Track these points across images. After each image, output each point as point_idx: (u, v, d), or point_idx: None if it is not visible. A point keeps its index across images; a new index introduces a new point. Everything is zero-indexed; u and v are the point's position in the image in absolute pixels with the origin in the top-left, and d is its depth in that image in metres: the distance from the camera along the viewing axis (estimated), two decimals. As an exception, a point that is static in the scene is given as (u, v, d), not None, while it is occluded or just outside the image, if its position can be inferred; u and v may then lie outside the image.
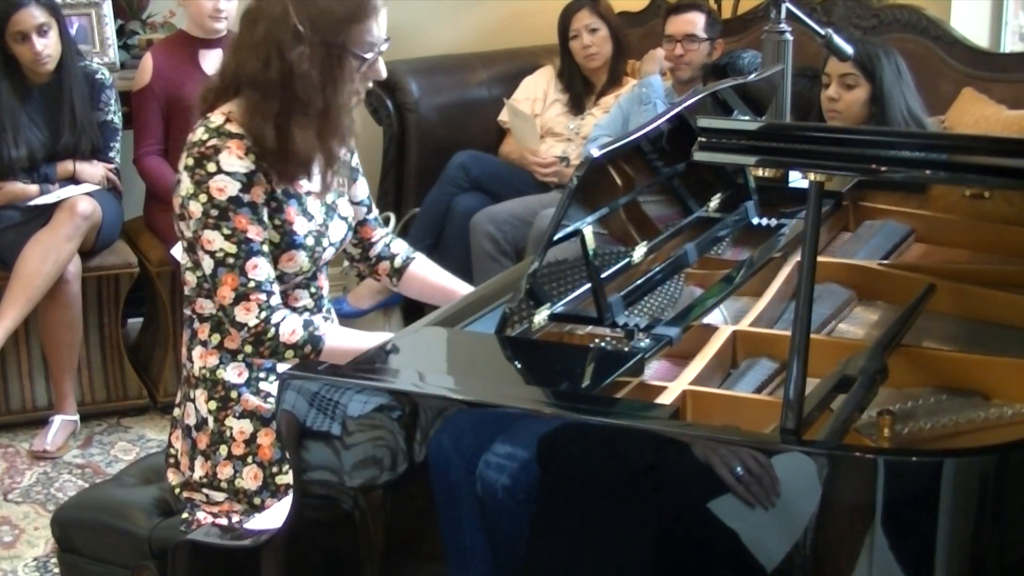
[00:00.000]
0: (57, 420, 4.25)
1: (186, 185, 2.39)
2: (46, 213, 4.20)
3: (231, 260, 2.36)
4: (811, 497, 1.57)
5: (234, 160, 2.36)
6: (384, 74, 2.47)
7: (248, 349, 2.41)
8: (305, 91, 2.36)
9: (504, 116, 5.18)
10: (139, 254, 4.51)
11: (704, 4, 4.80)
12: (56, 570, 3.13)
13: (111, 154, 4.42)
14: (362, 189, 2.70)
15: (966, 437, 1.91)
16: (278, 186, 2.43)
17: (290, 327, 2.38)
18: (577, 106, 5.06)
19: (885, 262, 2.54)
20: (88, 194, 4.26)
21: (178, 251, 4.18)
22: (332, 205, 2.56)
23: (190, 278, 2.51)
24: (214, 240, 2.36)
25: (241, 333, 2.39)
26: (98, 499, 2.68)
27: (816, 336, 2.12)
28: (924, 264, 2.56)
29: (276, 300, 2.40)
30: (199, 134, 2.39)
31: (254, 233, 2.37)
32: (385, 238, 2.75)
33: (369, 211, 2.72)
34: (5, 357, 4.33)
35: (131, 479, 2.75)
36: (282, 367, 2.48)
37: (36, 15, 4.10)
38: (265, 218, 2.40)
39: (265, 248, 2.40)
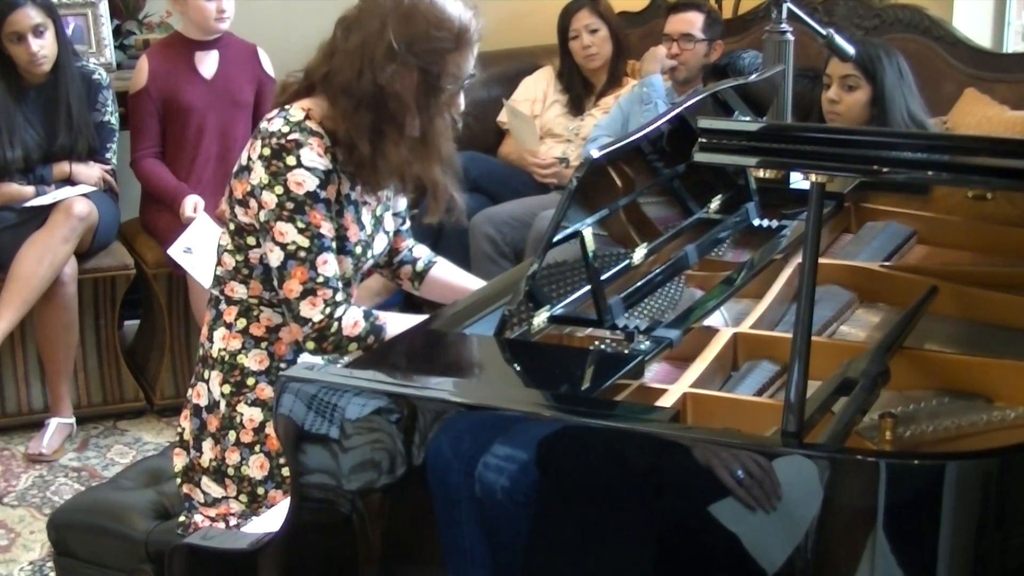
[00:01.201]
0: (53, 423, 4.23)
1: (259, 174, 2.38)
2: (42, 215, 4.18)
3: (303, 254, 2.37)
4: (813, 500, 1.57)
5: (315, 156, 2.37)
6: (462, 108, 2.48)
7: (311, 346, 2.41)
8: (399, 110, 2.38)
9: (503, 117, 5.17)
10: (136, 256, 4.50)
11: (704, 4, 4.79)
12: (52, 574, 3.13)
13: (108, 155, 4.41)
14: (402, 201, 2.71)
15: (969, 440, 1.90)
16: (350, 189, 2.45)
17: (352, 319, 2.40)
18: (577, 107, 5.05)
19: (887, 264, 2.53)
20: (84, 195, 4.25)
21: (175, 251, 4.21)
22: (380, 218, 2.58)
23: (228, 260, 2.51)
24: (287, 232, 2.37)
25: (304, 328, 2.39)
26: (94, 502, 2.67)
27: (817, 338, 2.11)
28: (926, 266, 2.56)
29: (341, 296, 2.42)
30: (278, 125, 2.39)
31: (327, 229, 2.39)
32: (409, 244, 2.77)
33: (404, 222, 2.74)
34: (1, 360, 4.32)
35: (128, 482, 2.74)
36: (307, 359, 2.50)
37: (32, 15, 4.09)
38: (334, 216, 2.42)
39: (335, 245, 2.41)
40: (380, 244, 2.59)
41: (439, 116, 2.42)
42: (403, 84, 2.37)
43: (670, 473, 1.65)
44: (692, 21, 4.67)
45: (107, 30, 4.93)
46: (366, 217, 2.52)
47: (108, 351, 4.49)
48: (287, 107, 2.42)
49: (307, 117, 2.39)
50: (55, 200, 4.20)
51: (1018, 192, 2.44)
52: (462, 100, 2.48)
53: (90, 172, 4.34)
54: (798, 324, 1.64)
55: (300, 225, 2.36)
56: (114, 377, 4.50)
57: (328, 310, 2.38)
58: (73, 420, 4.31)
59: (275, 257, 2.39)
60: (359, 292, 4.68)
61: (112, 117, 4.41)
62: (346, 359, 2.54)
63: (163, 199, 4.42)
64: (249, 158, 2.42)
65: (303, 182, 2.36)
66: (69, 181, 4.31)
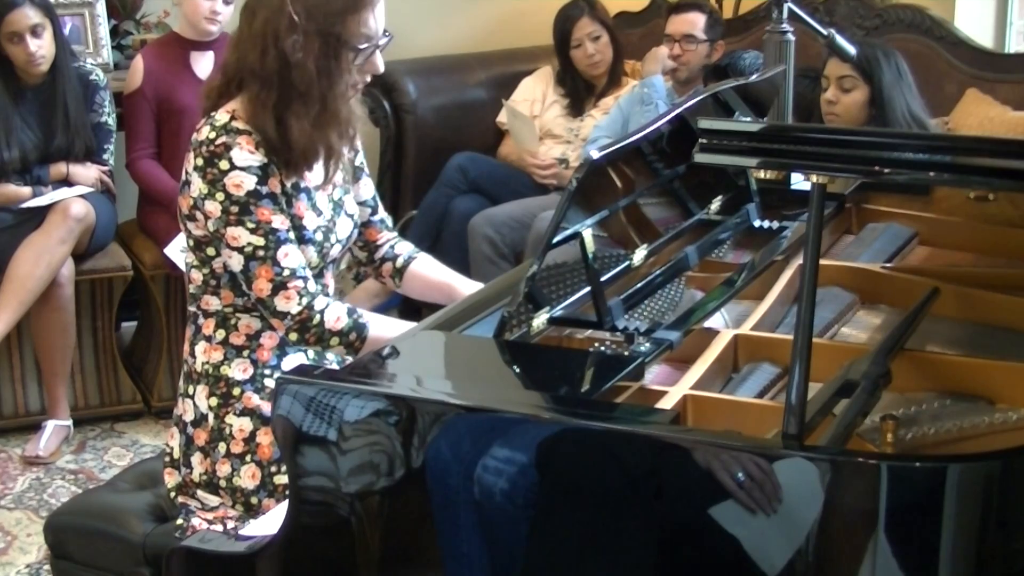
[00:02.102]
0: (50, 425, 4.23)
1: (198, 186, 2.38)
2: (39, 216, 4.17)
3: (261, 252, 2.36)
4: (814, 503, 1.56)
5: (246, 155, 2.35)
6: (381, 68, 2.46)
7: (293, 337, 2.40)
8: (302, 81, 2.35)
9: (503, 117, 5.17)
10: (133, 257, 4.49)
11: (706, 4, 4.78)
12: (49, 576, 3.12)
13: (105, 156, 4.40)
14: (366, 189, 2.69)
15: (970, 442, 1.90)
16: (287, 179, 2.43)
17: (335, 314, 2.39)
18: (576, 107, 5.05)
19: (888, 265, 2.53)
20: (81, 196, 4.24)
21: (172, 250, 4.20)
22: (339, 202, 2.56)
23: (196, 276, 2.50)
24: (240, 236, 2.35)
25: (285, 322, 2.39)
26: (92, 505, 2.67)
27: (818, 340, 2.11)
28: (928, 267, 2.55)
29: (313, 286, 2.40)
30: (205, 133, 2.38)
31: (279, 223, 2.37)
32: (391, 240, 2.75)
33: (374, 212, 2.71)
34: (-3, 361, 4.32)
35: (125, 485, 2.73)
36: (291, 363, 2.49)
37: (30, 15, 4.08)
38: (284, 207, 2.40)
39: (292, 236, 2.40)
40: (344, 228, 2.56)
41: (340, 77, 2.37)
42: (306, 53, 2.33)
43: (670, 476, 1.64)
44: (694, 22, 4.66)
45: (104, 30, 4.93)
46: (322, 202, 2.50)
47: (105, 353, 4.48)
48: (212, 113, 2.41)
49: (233, 118, 2.38)
50: (52, 201, 4.19)
51: (1020, 193, 2.44)
52: (380, 61, 2.44)
53: (87, 173, 4.33)
54: (799, 326, 1.64)
55: (250, 225, 2.35)
56: (111, 379, 4.49)
57: (304, 300, 2.37)
58: (70, 422, 4.30)
59: (236, 263, 2.37)
60: (357, 294, 4.71)
61: (109, 118, 4.40)
62: (332, 358, 2.55)
63: (160, 200, 4.41)
64: (186, 172, 2.42)
65: (241, 183, 2.34)
66: (66, 182, 4.30)
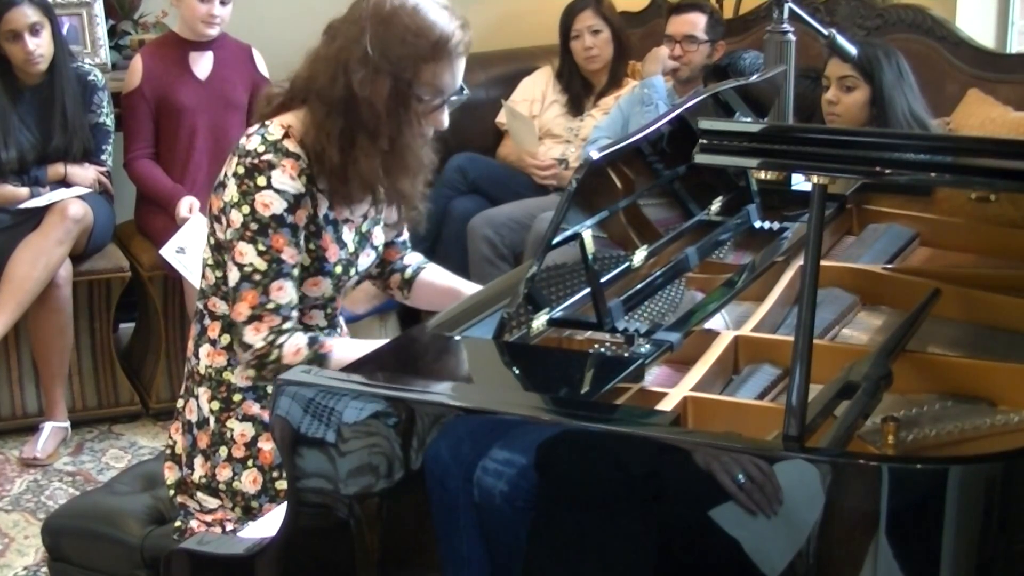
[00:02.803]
0: (47, 427, 4.22)
1: (232, 192, 2.33)
2: (36, 217, 4.16)
3: (257, 277, 2.31)
4: (814, 505, 1.56)
5: (286, 179, 2.31)
6: (445, 125, 2.41)
7: (251, 373, 2.36)
8: (370, 117, 2.32)
9: (502, 118, 5.16)
10: (131, 258, 4.48)
11: (706, 5, 4.78)
12: (47, 579, 3.11)
13: (103, 156, 4.39)
14: (395, 211, 2.64)
15: (972, 444, 1.89)
16: (328, 209, 2.39)
17: (294, 346, 2.33)
18: (576, 107, 5.04)
19: (889, 266, 2.52)
20: (79, 197, 4.23)
21: (168, 251, 4.20)
22: (366, 234, 2.53)
23: (210, 275, 2.47)
24: (247, 253, 2.31)
25: (245, 355, 2.34)
26: (89, 507, 2.66)
27: (819, 341, 2.10)
28: (929, 268, 2.55)
29: (289, 325, 2.35)
30: (255, 143, 2.33)
31: (288, 255, 2.33)
32: (403, 254, 2.73)
33: (400, 235, 2.70)
34: (-6, 363, 4.31)
35: (123, 487, 2.73)
36: None
37: (29, 14, 4.08)
38: (302, 242, 2.36)
39: (295, 272, 2.36)
40: (366, 261, 2.54)
41: (408, 127, 2.34)
42: (374, 90, 2.30)
43: (670, 477, 1.64)
44: (695, 22, 4.66)
45: (102, 30, 4.92)
46: (348, 235, 2.47)
47: (103, 354, 4.47)
48: (268, 123, 2.37)
49: (286, 135, 2.34)
50: (50, 202, 4.18)
51: (1021, 194, 2.43)
52: (445, 117, 2.40)
53: (85, 174, 4.32)
54: (800, 327, 1.63)
55: (261, 248, 2.31)
56: (109, 380, 4.48)
57: (271, 338, 2.32)
58: (68, 424, 4.29)
59: (232, 277, 2.34)
60: (356, 295, 4.71)
61: (107, 119, 4.39)
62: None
63: (158, 201, 4.40)
64: (226, 174, 2.38)
65: (270, 204, 2.30)
66: (64, 183, 4.29)
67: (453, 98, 2.38)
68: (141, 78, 4.43)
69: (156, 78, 4.43)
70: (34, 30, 4.10)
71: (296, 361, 2.30)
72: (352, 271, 2.49)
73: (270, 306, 2.32)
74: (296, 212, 2.33)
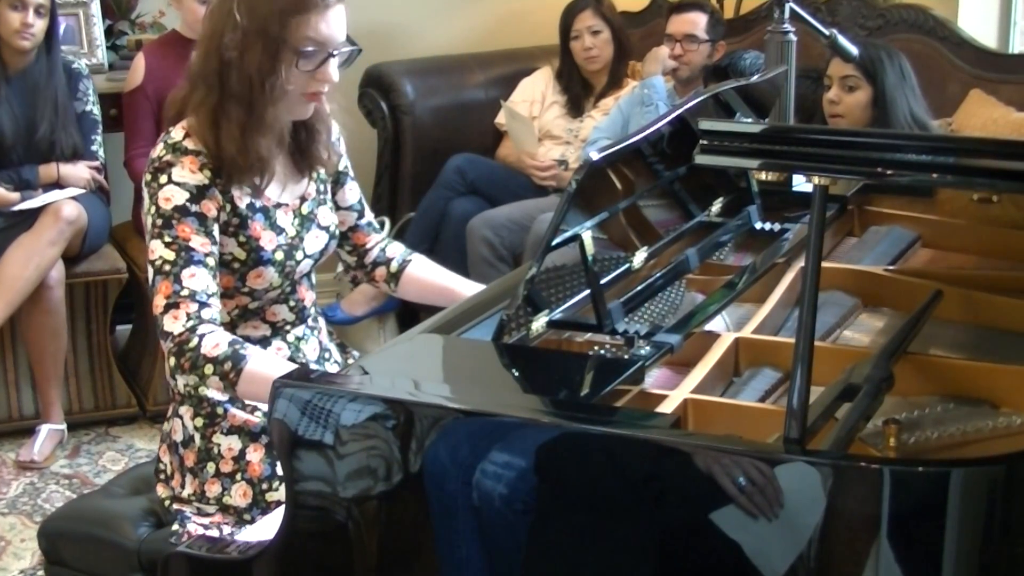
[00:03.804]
0: (44, 429, 4.21)
1: (146, 201, 2.34)
2: (30, 218, 4.15)
3: (167, 267, 2.28)
4: (815, 508, 1.56)
5: (186, 173, 2.31)
6: (335, 78, 2.37)
7: (171, 362, 2.27)
8: (238, 82, 2.31)
9: (501, 118, 5.16)
10: (128, 259, 4.46)
11: (707, 4, 4.78)
12: (43, 583, 3.11)
13: (93, 147, 4.37)
14: (351, 193, 2.64)
15: (974, 447, 1.89)
16: (239, 198, 2.37)
17: (214, 340, 2.23)
18: (576, 108, 5.04)
19: (891, 268, 2.52)
20: (74, 198, 4.21)
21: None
22: (309, 215, 2.50)
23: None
24: (156, 249, 2.29)
25: (166, 343, 2.28)
26: (86, 510, 2.65)
27: (820, 343, 2.10)
28: (931, 270, 2.54)
29: (209, 314, 2.28)
30: (158, 150, 2.34)
31: (197, 243, 2.29)
32: (381, 243, 2.70)
33: (361, 216, 2.66)
34: (-10, 365, 4.30)
35: (120, 490, 2.72)
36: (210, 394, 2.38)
37: None
38: (216, 232, 2.34)
39: (210, 261, 2.31)
40: (315, 243, 2.50)
41: (276, 82, 2.30)
42: (246, 53, 2.29)
43: (671, 480, 1.63)
44: (695, 22, 4.65)
45: (99, 30, 4.91)
46: (285, 220, 2.44)
47: (100, 356, 4.45)
48: (171, 129, 2.37)
49: (187, 136, 2.34)
50: (43, 203, 4.17)
51: (1024, 195, 2.43)
52: (334, 70, 2.35)
53: (78, 173, 4.29)
54: (801, 329, 1.63)
55: (167, 239, 2.28)
56: (106, 383, 4.47)
57: (190, 324, 2.25)
58: (64, 426, 4.28)
59: (149, 276, 2.32)
60: (354, 296, 4.71)
61: (94, 107, 4.37)
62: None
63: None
64: (142, 189, 2.38)
65: (171, 196, 2.29)
66: (57, 184, 4.27)
67: (339, 51, 2.35)
68: (143, 77, 4.42)
69: (159, 77, 4.41)
70: (38, 10, 4.10)
71: (213, 355, 2.21)
72: (298, 255, 2.46)
73: (184, 293, 2.27)
74: (201, 203, 2.31)
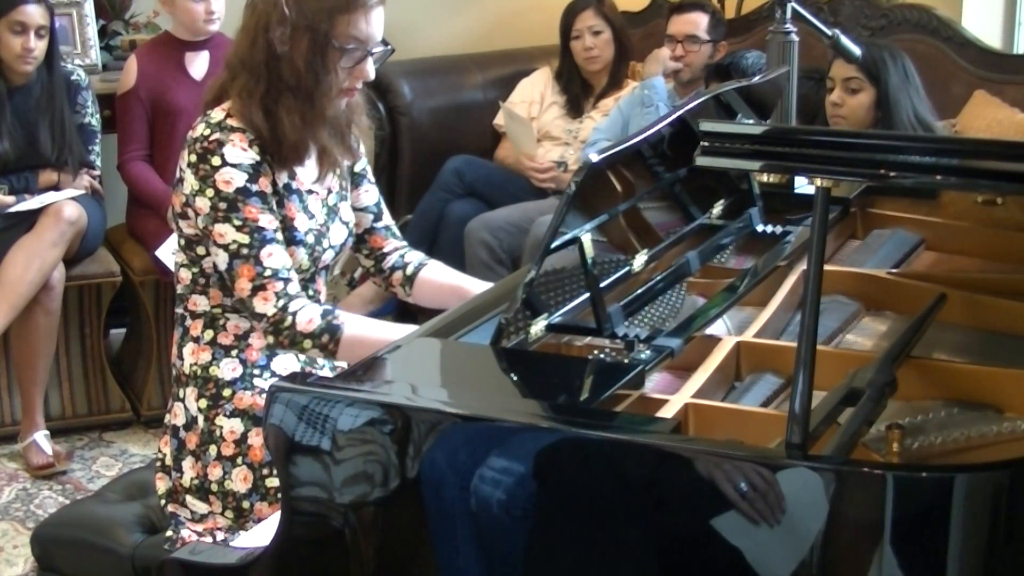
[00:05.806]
0: (39, 435, 4.16)
1: (190, 182, 2.40)
2: (30, 220, 4.13)
3: (245, 251, 2.37)
4: (818, 514, 1.56)
5: (239, 152, 2.38)
6: (371, 76, 2.47)
7: (269, 340, 2.40)
8: (291, 74, 2.40)
9: (500, 120, 5.16)
10: (122, 263, 4.44)
11: (708, 4, 4.78)
12: (36, 589, 3.09)
13: (91, 158, 4.36)
14: (367, 196, 2.71)
15: (978, 452, 1.89)
16: (279, 175, 2.45)
17: (307, 316, 2.37)
18: (575, 109, 5.03)
19: (895, 271, 2.51)
20: (72, 200, 4.20)
21: (164, 252, 4.17)
22: (334, 207, 2.57)
23: (184, 275, 2.51)
24: (226, 233, 2.37)
25: (261, 324, 2.39)
26: (79, 516, 2.66)
27: (823, 347, 2.08)
28: (934, 273, 2.53)
29: (294, 288, 2.40)
30: (200, 130, 2.41)
31: (266, 222, 2.39)
32: (401, 249, 2.75)
33: (378, 219, 2.72)
34: (-16, 370, 4.28)
35: (114, 495, 2.73)
36: (280, 363, 2.50)
37: (39, 16, 4.09)
38: (275, 207, 2.42)
39: (279, 236, 2.41)
40: (338, 235, 2.57)
41: (325, 78, 2.41)
42: (294, 46, 2.38)
43: (671, 486, 1.63)
44: (697, 22, 4.65)
45: (92, 30, 4.90)
46: (315, 206, 2.52)
47: (93, 360, 4.43)
48: (209, 112, 2.44)
49: (228, 116, 2.41)
50: (42, 204, 4.15)
51: (1028, 197, 2.42)
52: (371, 68, 2.46)
53: (78, 179, 4.29)
54: (803, 333, 1.62)
55: (237, 223, 2.37)
56: (99, 387, 4.44)
57: (281, 303, 2.37)
58: (47, 431, 4.22)
59: (221, 260, 2.39)
60: (351, 300, 4.69)
61: (93, 119, 4.37)
62: (322, 362, 2.55)
63: (152, 203, 4.37)
64: (181, 168, 2.44)
65: (231, 180, 2.37)
66: (55, 188, 4.25)
67: (377, 50, 2.45)
68: (136, 79, 4.41)
69: (152, 79, 4.41)
70: (39, 32, 4.11)
71: (309, 330, 2.36)
72: (325, 242, 2.53)
73: (267, 273, 2.37)
74: (259, 180, 2.39)
